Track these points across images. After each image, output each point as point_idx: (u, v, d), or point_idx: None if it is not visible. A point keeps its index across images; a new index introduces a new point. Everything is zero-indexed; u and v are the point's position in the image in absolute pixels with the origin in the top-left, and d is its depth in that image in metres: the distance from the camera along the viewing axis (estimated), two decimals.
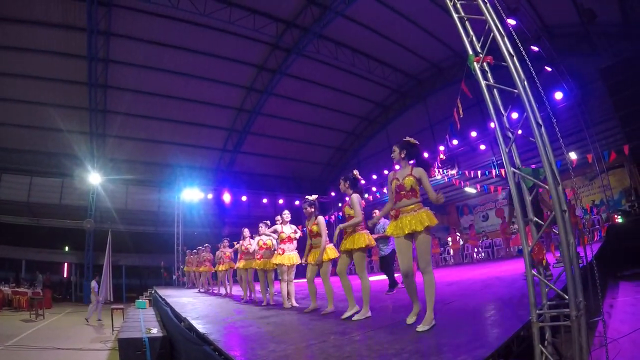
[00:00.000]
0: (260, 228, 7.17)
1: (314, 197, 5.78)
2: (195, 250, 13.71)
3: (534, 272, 3.16)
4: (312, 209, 5.61)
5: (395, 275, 7.31)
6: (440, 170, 17.17)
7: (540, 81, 4.04)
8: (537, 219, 3.31)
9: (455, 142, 16.72)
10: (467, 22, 3.83)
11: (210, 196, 21.20)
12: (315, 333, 4.07)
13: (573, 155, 13.32)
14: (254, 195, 23.08)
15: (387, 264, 7.71)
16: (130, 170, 20.77)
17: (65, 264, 21.56)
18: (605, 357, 3.41)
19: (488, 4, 3.66)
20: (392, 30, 17.19)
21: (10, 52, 15.35)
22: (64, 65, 16.37)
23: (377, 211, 8.05)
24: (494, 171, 15.36)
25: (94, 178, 19.13)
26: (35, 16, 14.31)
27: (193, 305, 8.16)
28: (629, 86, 12.17)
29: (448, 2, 3.92)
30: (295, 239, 6.47)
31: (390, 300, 6.42)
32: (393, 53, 18.97)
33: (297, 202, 19.92)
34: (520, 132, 3.39)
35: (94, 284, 13.96)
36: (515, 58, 3.48)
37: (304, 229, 5.93)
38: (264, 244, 7.18)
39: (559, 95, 14.43)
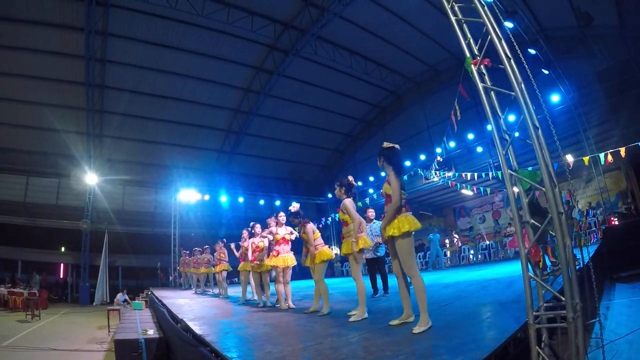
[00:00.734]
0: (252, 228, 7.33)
1: (296, 207, 5.84)
2: (188, 252, 13.77)
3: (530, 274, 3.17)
4: (298, 219, 5.69)
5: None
6: (437, 172, 17.16)
7: (537, 84, 4.06)
8: (534, 221, 3.31)
9: (452, 144, 16.76)
10: (464, 25, 3.85)
11: (207, 197, 21.16)
12: (312, 335, 4.06)
13: (570, 158, 13.37)
14: (250, 197, 23.09)
15: (379, 266, 7.73)
16: (127, 171, 20.70)
17: (62, 265, 21.47)
18: (602, 358, 3.42)
19: (486, 7, 3.67)
20: (390, 32, 17.25)
21: (7, 52, 15.31)
22: (61, 65, 16.33)
23: (371, 210, 8.09)
24: (490, 173, 15.38)
25: (91, 178, 19.05)
26: (33, 16, 14.26)
27: (189, 307, 8.14)
28: (625, 89, 12.23)
29: (446, 4, 3.93)
30: (291, 240, 6.47)
31: (387, 302, 6.42)
32: (390, 55, 19.03)
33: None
34: (517, 134, 3.40)
35: (120, 296, 14.46)
36: (512, 61, 3.49)
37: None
38: (257, 246, 7.22)
39: (555, 98, 14.49)
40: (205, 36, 16.64)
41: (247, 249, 7.72)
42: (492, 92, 3.53)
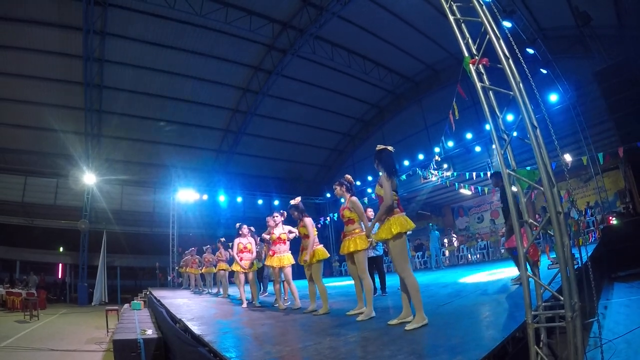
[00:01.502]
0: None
1: (297, 200, 5.84)
2: (187, 251, 13.76)
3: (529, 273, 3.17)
4: (297, 213, 5.70)
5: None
6: (436, 171, 17.19)
7: (536, 83, 4.07)
8: (532, 221, 3.32)
9: (450, 143, 16.76)
10: (463, 24, 3.85)
11: (205, 197, 21.14)
12: (311, 334, 4.07)
13: (568, 157, 13.39)
14: (249, 197, 23.07)
15: (378, 264, 7.73)
16: (126, 170, 20.66)
17: (60, 265, 21.43)
18: (601, 357, 3.43)
19: (484, 7, 3.67)
20: (388, 31, 17.25)
21: (5, 51, 15.26)
22: (60, 64, 16.29)
23: (370, 210, 8.08)
24: (489, 173, 15.39)
25: (89, 178, 19.01)
26: (31, 15, 14.23)
27: (188, 307, 8.12)
28: (623, 88, 12.22)
29: (444, 4, 3.93)
30: (288, 239, 6.46)
31: (387, 302, 6.42)
32: (389, 54, 19.03)
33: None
34: (515, 134, 3.40)
35: None
36: (510, 60, 3.49)
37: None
38: (244, 247, 7.27)
39: (554, 98, 14.52)
40: (204, 36, 16.61)
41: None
42: (490, 92, 3.53)
